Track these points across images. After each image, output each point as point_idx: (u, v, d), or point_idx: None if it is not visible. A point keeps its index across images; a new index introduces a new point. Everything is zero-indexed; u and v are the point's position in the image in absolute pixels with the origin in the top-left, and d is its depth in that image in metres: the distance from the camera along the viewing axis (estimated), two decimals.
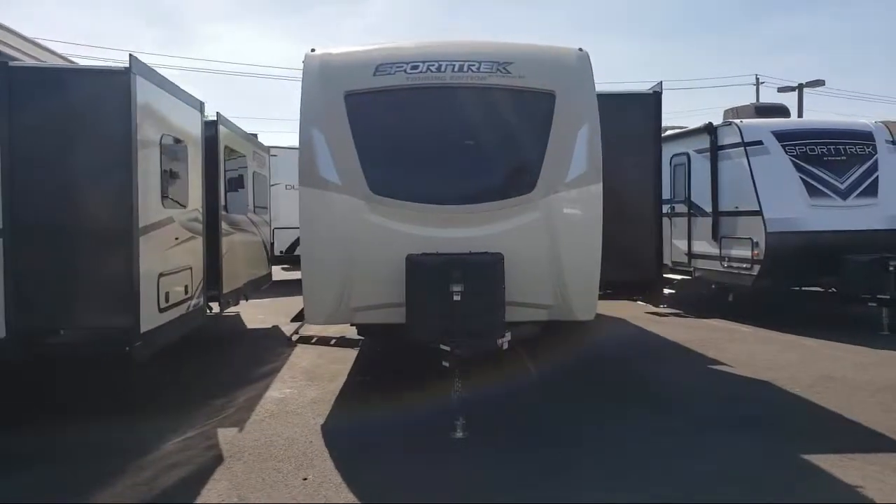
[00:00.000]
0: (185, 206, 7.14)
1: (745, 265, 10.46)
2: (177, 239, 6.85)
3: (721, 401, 6.48)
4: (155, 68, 6.53)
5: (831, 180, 10.37)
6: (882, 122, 11.42)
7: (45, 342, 5.80)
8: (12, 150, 5.49)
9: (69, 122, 5.75)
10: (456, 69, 6.24)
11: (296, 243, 16.12)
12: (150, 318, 6.00)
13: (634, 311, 11.68)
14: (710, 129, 11.45)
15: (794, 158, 10.41)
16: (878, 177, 10.52)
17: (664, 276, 9.90)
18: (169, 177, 6.66)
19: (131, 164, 5.71)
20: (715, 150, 11.28)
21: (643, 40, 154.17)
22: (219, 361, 8.39)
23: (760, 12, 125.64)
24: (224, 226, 8.83)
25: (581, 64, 6.49)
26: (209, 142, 8.32)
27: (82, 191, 5.80)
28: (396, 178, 6.23)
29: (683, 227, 12.17)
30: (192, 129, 7.56)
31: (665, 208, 10.58)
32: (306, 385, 7.03)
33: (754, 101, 29.55)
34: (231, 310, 10.35)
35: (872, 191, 10.44)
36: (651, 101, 8.33)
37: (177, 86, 7.03)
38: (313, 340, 9.28)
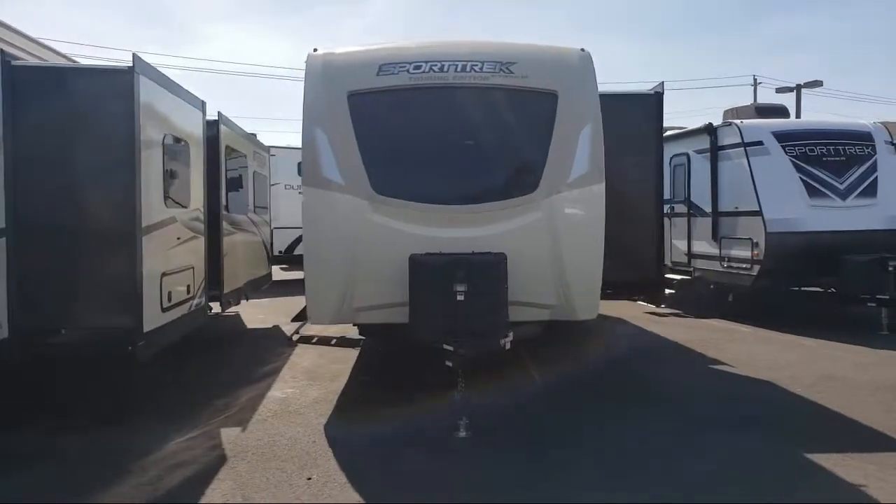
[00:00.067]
0: (187, 206, 7.14)
1: (744, 265, 10.49)
2: (179, 239, 6.85)
3: (721, 401, 6.50)
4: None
5: (831, 181, 10.41)
6: (881, 123, 11.46)
7: (47, 342, 5.79)
8: (16, 150, 5.48)
9: (72, 122, 5.75)
10: (459, 69, 6.24)
11: (294, 243, 16.13)
12: (153, 318, 6.00)
13: (634, 311, 11.70)
14: (710, 130, 11.47)
15: (793, 159, 10.45)
16: (877, 177, 10.56)
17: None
18: (171, 176, 6.66)
19: (135, 163, 5.71)
20: (715, 151, 11.30)
21: (643, 40, 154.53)
22: (219, 361, 8.39)
23: (760, 12, 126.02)
24: (225, 225, 8.83)
25: (583, 64, 6.50)
26: (210, 141, 8.32)
27: (86, 190, 5.79)
28: (399, 178, 6.23)
29: (683, 227, 12.20)
30: (194, 128, 7.56)
31: (665, 208, 10.60)
32: (308, 385, 7.04)
33: (751, 101, 29.60)
34: (231, 309, 10.35)
35: (872, 191, 10.48)
36: (653, 102, 8.34)
37: (179, 85, 7.03)
38: (314, 340, 9.28)
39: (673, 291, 11.91)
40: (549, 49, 6.79)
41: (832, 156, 10.59)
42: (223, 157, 8.94)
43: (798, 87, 29.26)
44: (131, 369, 6.26)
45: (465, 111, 6.32)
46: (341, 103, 6.15)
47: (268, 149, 12.98)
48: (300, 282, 6.32)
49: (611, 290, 8.01)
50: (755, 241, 10.22)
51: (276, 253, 15.60)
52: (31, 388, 6.64)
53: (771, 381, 7.10)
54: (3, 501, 4.34)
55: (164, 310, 6.29)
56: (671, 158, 12.23)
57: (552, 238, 6.11)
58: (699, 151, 11.83)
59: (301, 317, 8.99)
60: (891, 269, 9.39)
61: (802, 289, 11.60)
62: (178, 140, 6.96)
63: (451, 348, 5.39)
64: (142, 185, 5.78)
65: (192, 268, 7.23)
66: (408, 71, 6.23)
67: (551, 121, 6.20)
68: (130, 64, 5.74)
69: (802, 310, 11.57)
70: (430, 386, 6.29)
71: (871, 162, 10.66)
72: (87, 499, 4.26)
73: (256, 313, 11.80)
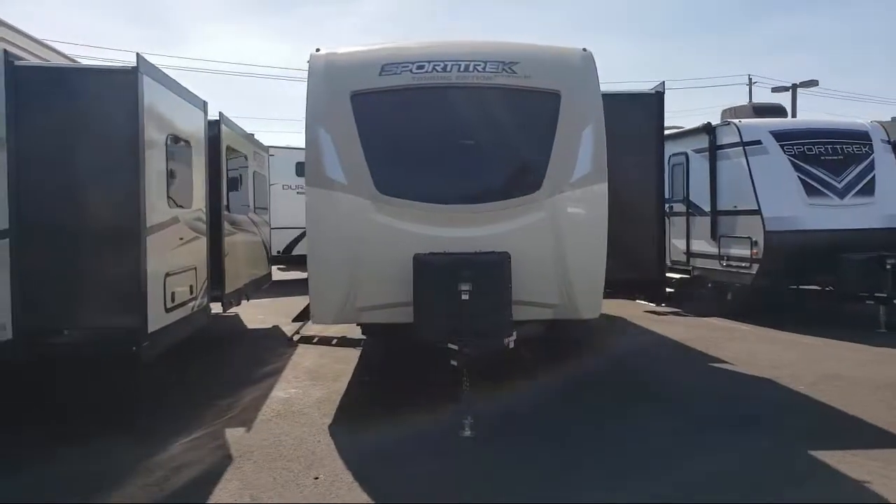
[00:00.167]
0: (189, 207, 7.13)
1: (743, 264, 10.54)
2: (181, 239, 6.85)
3: (722, 399, 6.52)
4: None
5: (829, 180, 10.47)
6: (878, 122, 11.53)
7: (51, 342, 5.77)
8: (19, 150, 5.46)
9: (76, 122, 5.72)
10: (461, 69, 6.26)
11: (292, 243, 16.10)
12: (157, 319, 5.99)
13: (633, 310, 11.73)
14: (708, 129, 11.53)
15: (792, 158, 10.51)
16: (874, 176, 10.64)
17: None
18: (174, 177, 6.65)
19: (138, 164, 5.69)
20: (714, 150, 11.35)
21: (643, 40, 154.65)
22: (221, 362, 8.39)
23: (760, 12, 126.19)
24: (226, 226, 8.82)
25: (585, 64, 6.53)
26: (212, 141, 8.30)
27: (89, 191, 5.77)
28: (403, 178, 6.24)
29: (682, 226, 12.24)
30: (196, 129, 7.55)
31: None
32: (311, 385, 7.04)
33: (747, 101, 29.70)
34: (230, 310, 10.34)
35: (869, 190, 10.56)
36: (653, 101, 8.37)
37: (181, 85, 7.02)
38: (315, 340, 9.27)
39: (672, 290, 11.95)
40: (552, 49, 6.80)
41: (830, 155, 10.66)
42: (224, 157, 8.94)
43: (794, 87, 29.37)
44: (134, 370, 6.26)
45: (467, 111, 6.33)
46: (344, 103, 6.15)
47: (267, 149, 12.97)
48: (299, 282, 6.32)
49: (612, 289, 8.04)
50: (754, 239, 10.27)
51: (273, 253, 15.59)
52: (34, 388, 6.63)
53: (772, 379, 7.13)
54: (5, 501, 4.33)
55: (167, 310, 6.29)
56: (669, 158, 12.23)
57: (555, 238, 6.13)
58: (698, 151, 11.88)
59: (302, 317, 8.98)
60: (888, 267, 9.44)
61: (801, 287, 11.65)
62: (180, 140, 6.96)
63: (455, 348, 5.40)
64: (145, 185, 5.77)
65: (195, 268, 7.23)
66: (410, 71, 6.24)
67: (554, 120, 6.22)
68: (133, 64, 5.72)
69: (801, 308, 11.62)
70: (433, 385, 6.30)
71: (868, 161, 10.74)
72: (93, 499, 4.25)
73: (256, 313, 11.78)
